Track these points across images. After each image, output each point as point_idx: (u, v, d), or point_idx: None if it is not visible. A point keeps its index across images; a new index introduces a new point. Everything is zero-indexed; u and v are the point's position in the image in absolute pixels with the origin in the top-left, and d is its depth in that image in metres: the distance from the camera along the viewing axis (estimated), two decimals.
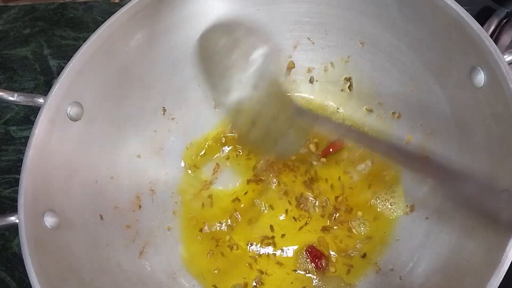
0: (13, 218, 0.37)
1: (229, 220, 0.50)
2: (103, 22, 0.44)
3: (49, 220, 0.39)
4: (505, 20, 0.52)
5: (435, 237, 0.42)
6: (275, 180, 0.51)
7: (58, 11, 0.71)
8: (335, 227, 0.48)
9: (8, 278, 0.52)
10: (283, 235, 0.49)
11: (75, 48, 0.43)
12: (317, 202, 0.49)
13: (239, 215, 0.50)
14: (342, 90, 0.53)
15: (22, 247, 0.36)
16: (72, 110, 0.43)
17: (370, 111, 0.52)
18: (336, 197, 0.49)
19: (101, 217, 0.45)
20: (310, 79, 0.54)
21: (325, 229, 0.48)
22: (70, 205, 0.42)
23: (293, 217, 0.49)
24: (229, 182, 0.52)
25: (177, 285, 0.47)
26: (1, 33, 0.70)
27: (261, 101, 0.40)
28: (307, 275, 0.46)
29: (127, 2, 0.45)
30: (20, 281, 0.52)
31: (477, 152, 0.39)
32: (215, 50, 0.42)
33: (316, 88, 0.54)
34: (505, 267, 0.30)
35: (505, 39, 0.51)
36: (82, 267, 0.40)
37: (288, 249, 0.48)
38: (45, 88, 0.64)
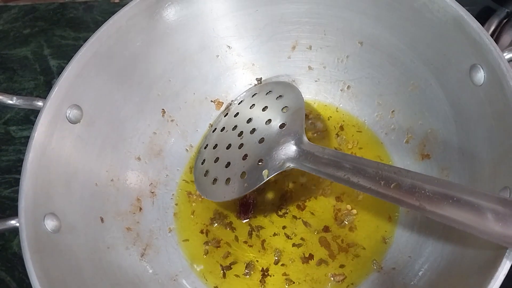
0: (13, 222, 0.37)
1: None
2: (103, 22, 0.44)
3: (50, 224, 0.39)
4: (505, 20, 0.52)
5: (438, 236, 0.42)
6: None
7: (58, 11, 0.71)
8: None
9: (8, 278, 0.52)
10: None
11: (75, 48, 0.43)
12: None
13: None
14: (341, 90, 0.53)
15: (23, 251, 0.36)
16: (72, 113, 0.43)
17: (370, 110, 0.52)
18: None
19: (102, 220, 0.45)
20: (309, 79, 0.54)
21: (326, 229, 0.48)
22: (71, 208, 0.42)
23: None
24: None
25: (178, 286, 0.47)
26: (1, 33, 0.70)
27: None
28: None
29: (127, 2, 0.45)
30: (20, 281, 0.52)
31: (477, 149, 0.39)
32: None
33: (315, 88, 0.54)
34: (507, 266, 0.30)
35: (505, 39, 0.51)
36: (84, 270, 0.40)
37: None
38: (45, 88, 0.64)
